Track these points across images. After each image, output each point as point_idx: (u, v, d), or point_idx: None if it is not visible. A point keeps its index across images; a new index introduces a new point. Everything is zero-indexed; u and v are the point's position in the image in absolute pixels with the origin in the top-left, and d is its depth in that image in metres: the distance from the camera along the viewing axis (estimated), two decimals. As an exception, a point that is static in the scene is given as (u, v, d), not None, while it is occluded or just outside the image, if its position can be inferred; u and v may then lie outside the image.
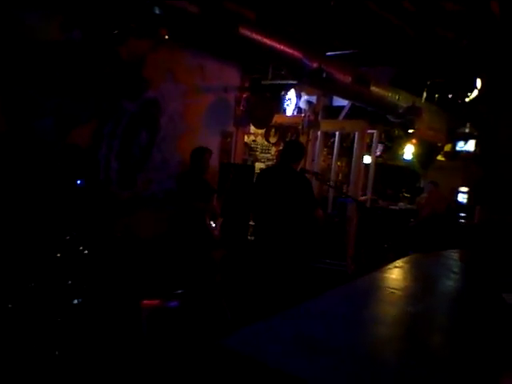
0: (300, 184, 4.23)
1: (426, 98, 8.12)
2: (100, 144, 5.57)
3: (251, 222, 6.34)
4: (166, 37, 4.86)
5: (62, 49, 5.13)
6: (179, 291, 3.37)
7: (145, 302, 3.27)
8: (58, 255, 3.52)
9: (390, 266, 2.83)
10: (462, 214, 9.86)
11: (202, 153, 5.18)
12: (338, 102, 8.64)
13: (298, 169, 4.42)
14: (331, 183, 7.60)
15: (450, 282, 2.63)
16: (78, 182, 5.10)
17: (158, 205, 5.69)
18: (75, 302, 3.73)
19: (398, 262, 2.92)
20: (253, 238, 5.07)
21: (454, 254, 3.49)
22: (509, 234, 4.41)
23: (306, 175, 4.51)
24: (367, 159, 8.71)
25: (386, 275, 2.59)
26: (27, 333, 3.21)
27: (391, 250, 8.14)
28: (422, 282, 2.64)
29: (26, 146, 4.87)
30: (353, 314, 1.82)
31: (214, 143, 6.52)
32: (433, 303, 2.15)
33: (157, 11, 4.45)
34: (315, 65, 6.17)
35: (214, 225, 4.96)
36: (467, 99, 7.37)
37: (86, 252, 3.74)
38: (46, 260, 3.52)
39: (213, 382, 1.32)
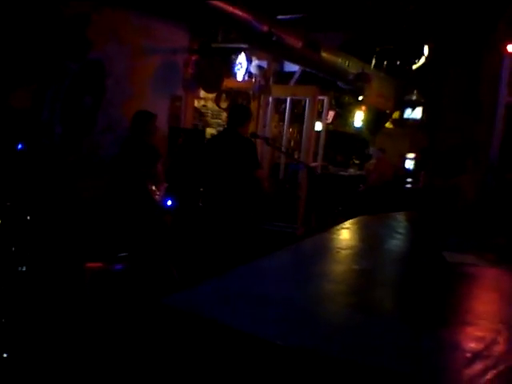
0: (244, 147, 4.20)
1: (374, 65, 8.18)
2: (42, 106, 5.33)
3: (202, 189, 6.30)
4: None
5: (1, 8, 4.82)
6: (123, 254, 3.30)
7: (88, 264, 3.18)
8: (-1, 222, 3.37)
9: (338, 227, 2.87)
10: (409, 180, 10.13)
11: (145, 118, 4.98)
12: (289, 67, 8.58)
13: (248, 133, 4.38)
14: (283, 149, 7.59)
15: (394, 242, 2.68)
16: (19, 146, 4.89)
17: (104, 170, 5.52)
18: (20, 269, 3.61)
19: (346, 224, 2.96)
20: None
21: (400, 216, 3.57)
22: (450, 197, 4.56)
23: (257, 140, 4.48)
24: (318, 126, 8.74)
25: (334, 236, 2.63)
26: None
27: (341, 214, 8.30)
28: (368, 241, 2.69)
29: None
30: (299, 271, 1.83)
31: (162, 107, 6.36)
32: (378, 261, 2.19)
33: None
34: (265, 28, 6.07)
35: (156, 190, 4.84)
36: (414, 66, 7.47)
37: (28, 218, 3.59)
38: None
39: (155, 340, 1.30)
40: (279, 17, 6.68)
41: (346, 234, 2.77)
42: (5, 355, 2.85)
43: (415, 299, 1.74)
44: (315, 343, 1.22)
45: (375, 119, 10.94)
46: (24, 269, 3.55)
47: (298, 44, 6.67)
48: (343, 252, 2.25)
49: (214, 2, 5.58)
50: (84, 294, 3.16)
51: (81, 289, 3.16)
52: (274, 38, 5.71)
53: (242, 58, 7.36)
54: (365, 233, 3.01)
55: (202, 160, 4.50)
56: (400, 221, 3.44)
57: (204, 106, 8.00)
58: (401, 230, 3.12)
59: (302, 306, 1.47)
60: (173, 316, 1.27)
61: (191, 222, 4.70)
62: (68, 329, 3.10)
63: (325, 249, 2.32)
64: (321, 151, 8.53)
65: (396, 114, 11.02)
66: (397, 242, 2.68)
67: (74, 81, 5.56)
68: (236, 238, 4.03)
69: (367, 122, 11.02)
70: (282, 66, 8.72)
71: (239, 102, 7.64)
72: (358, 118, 10.93)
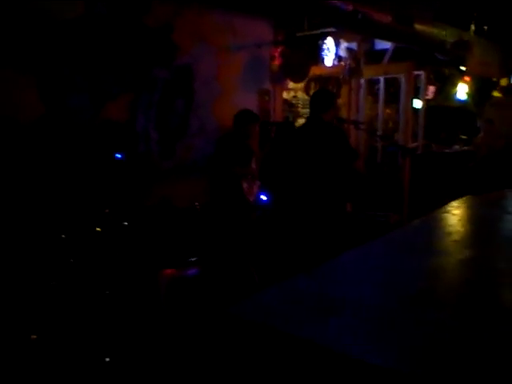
0: (332, 136, 3.97)
1: (474, 31, 7.53)
2: (137, 115, 5.52)
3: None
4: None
5: (89, 25, 5.06)
6: (194, 258, 3.26)
7: (163, 271, 3.19)
8: (99, 229, 3.52)
9: (439, 211, 2.61)
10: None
11: (249, 119, 4.91)
12: (381, 45, 8.16)
13: (333, 119, 4.16)
14: (378, 132, 7.25)
15: (506, 225, 2.38)
16: (118, 156, 5.11)
17: (199, 172, 5.61)
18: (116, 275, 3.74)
19: (449, 207, 2.69)
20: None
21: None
22: None
23: (345, 125, 4.25)
24: (418, 103, 8.25)
25: (433, 221, 2.38)
26: (71, 306, 3.25)
27: (449, 194, 7.76)
28: (475, 226, 2.41)
29: (64, 127, 4.89)
30: (389, 268, 1.64)
31: (251, 102, 6.32)
32: (486, 249, 1.94)
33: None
34: (350, 7, 5.81)
35: (249, 189, 4.81)
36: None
37: (126, 224, 3.72)
38: (85, 235, 3.53)
39: (224, 352, 1.21)
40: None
41: (448, 218, 2.50)
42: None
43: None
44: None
45: (481, 89, 10.12)
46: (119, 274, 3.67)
47: (387, 19, 6.32)
48: (444, 240, 2.02)
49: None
50: (158, 300, 3.17)
51: (155, 295, 3.17)
52: (359, 17, 5.42)
53: (329, 43, 7.14)
54: (471, 216, 2.71)
55: (290, 153, 4.36)
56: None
57: (294, 96, 7.89)
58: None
59: (382, 312, 1.29)
60: (240, 328, 1.17)
61: (284, 219, 4.60)
62: (143, 338, 3.13)
63: (419, 238, 2.09)
64: (420, 130, 8.03)
65: (504, 81, 10.12)
66: (508, 225, 2.38)
67: (165, 87, 5.70)
68: (331, 234, 3.83)
69: (472, 93, 10.22)
70: (372, 45, 8.32)
71: (329, 88, 7.41)
72: (462, 90, 10.17)
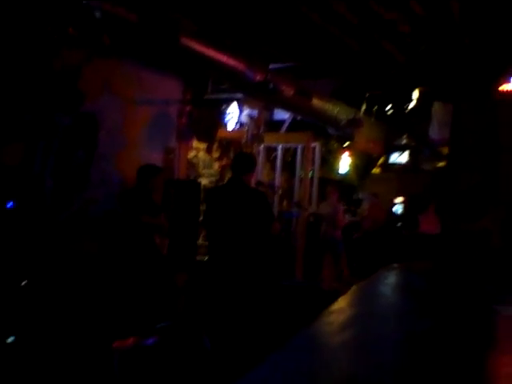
0: (255, 199, 4.00)
1: (364, 111, 8.21)
2: (33, 161, 5.10)
3: (200, 241, 6.05)
4: (107, 43, 4.52)
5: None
6: (158, 326, 2.99)
7: (117, 342, 2.86)
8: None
9: (376, 278, 2.66)
10: (399, 224, 10.03)
11: (153, 172, 4.81)
12: (279, 115, 8.56)
13: (252, 182, 4.21)
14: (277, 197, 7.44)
15: (437, 298, 2.48)
16: (9, 204, 4.64)
17: (99, 226, 5.26)
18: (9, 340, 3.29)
19: (382, 275, 2.75)
20: (205, 258, 4.77)
21: (424, 266, 3.38)
22: (480, 242, 4.40)
23: (261, 188, 4.30)
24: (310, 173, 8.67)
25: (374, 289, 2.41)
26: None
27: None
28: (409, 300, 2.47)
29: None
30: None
31: (156, 159, 6.17)
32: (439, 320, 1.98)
33: (98, 15, 4.11)
34: (258, 77, 6.05)
35: (162, 244, 4.63)
36: (406, 111, 7.51)
37: (25, 282, 3.30)
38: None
39: None
40: (271, 66, 6.68)
41: (383, 289, 2.55)
42: None
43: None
44: None
45: (363, 164, 10.94)
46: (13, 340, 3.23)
47: (290, 92, 6.66)
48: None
49: (208, 52, 5.54)
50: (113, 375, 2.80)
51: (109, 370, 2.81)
52: (270, 86, 5.65)
53: (233, 108, 7.31)
54: (399, 291, 2.79)
55: (207, 213, 4.27)
56: (429, 272, 3.25)
57: (195, 156, 7.87)
58: (436, 283, 2.92)
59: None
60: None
61: (201, 280, 4.43)
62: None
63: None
64: (315, 198, 8.41)
65: (382, 159, 11.05)
66: (439, 297, 2.48)
67: (67, 134, 5.37)
68: (257, 295, 3.75)
69: (355, 167, 11.00)
70: (272, 115, 8.70)
71: (232, 151, 7.54)
72: (345, 164, 10.90)
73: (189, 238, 5.75)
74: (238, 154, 5.11)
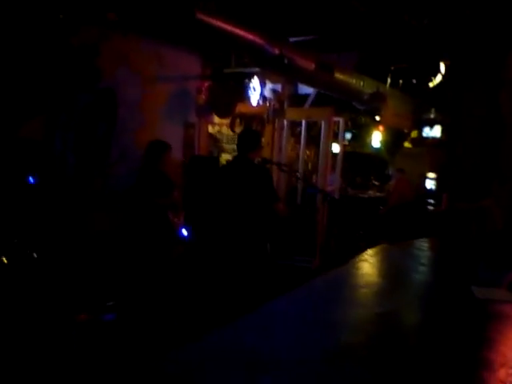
0: (258, 176, 4.02)
1: (390, 84, 8.02)
2: (54, 137, 5.26)
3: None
4: (115, 19, 4.58)
5: (10, 39, 4.80)
6: (110, 303, 3.08)
7: (77, 316, 2.97)
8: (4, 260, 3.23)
9: (357, 259, 2.67)
10: (431, 201, 9.84)
11: (160, 148, 4.87)
12: (304, 89, 8.46)
13: (259, 159, 4.23)
14: (299, 174, 7.42)
15: (418, 276, 2.48)
16: (30, 179, 4.81)
17: (117, 202, 5.41)
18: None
19: (365, 256, 2.77)
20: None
21: (423, 244, 3.36)
22: (475, 222, 4.31)
23: (269, 166, 4.31)
24: (335, 148, 8.58)
25: (351, 270, 2.43)
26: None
27: (362, 238, 8.06)
28: (390, 277, 2.48)
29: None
30: (307, 320, 1.63)
31: (176, 135, 6.27)
32: (400, 302, 1.99)
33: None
34: (277, 51, 5.97)
35: (176, 220, 4.73)
36: (431, 84, 7.29)
37: (35, 256, 3.45)
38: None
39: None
40: (291, 39, 6.59)
41: (365, 267, 2.57)
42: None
43: (443, 350, 1.54)
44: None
45: (393, 139, 10.74)
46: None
47: (311, 66, 6.56)
48: (362, 291, 2.06)
49: (225, 27, 5.52)
50: (72, 348, 2.92)
51: (68, 342, 2.92)
52: (285, 61, 5.59)
53: (255, 82, 7.26)
54: (386, 266, 2.81)
55: (214, 189, 4.33)
56: (424, 249, 3.23)
57: (219, 131, 7.91)
58: (425, 261, 2.91)
59: (309, 368, 1.28)
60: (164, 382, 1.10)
61: (203, 255, 4.52)
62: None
63: (340, 288, 2.12)
64: (338, 174, 8.33)
65: (414, 133, 10.80)
66: (421, 276, 2.48)
67: (86, 110, 5.51)
68: (249, 275, 3.82)
69: (385, 142, 10.81)
70: (296, 89, 8.60)
71: (254, 126, 7.53)
72: (376, 139, 10.73)
73: (204, 213, 5.84)
74: (242, 131, 5.11)
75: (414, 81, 7.74)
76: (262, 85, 7.54)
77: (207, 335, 1.38)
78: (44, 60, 5.08)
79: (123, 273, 3.99)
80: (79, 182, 5.48)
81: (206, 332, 1.38)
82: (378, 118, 8.64)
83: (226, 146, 8.07)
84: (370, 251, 2.86)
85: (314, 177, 9.04)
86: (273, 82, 7.70)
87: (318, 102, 8.33)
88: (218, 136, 8.10)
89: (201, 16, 5.33)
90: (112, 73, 5.66)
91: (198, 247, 4.75)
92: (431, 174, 11.01)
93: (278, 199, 4.20)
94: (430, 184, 11.07)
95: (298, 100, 8.48)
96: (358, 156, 11.36)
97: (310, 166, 9.69)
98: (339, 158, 8.35)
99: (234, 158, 4.28)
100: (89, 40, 5.43)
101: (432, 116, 9.53)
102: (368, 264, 2.62)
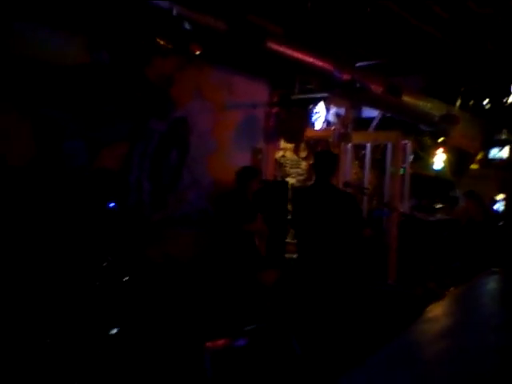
0: (346, 202, 3.95)
1: (459, 106, 7.85)
2: (131, 166, 5.46)
3: (288, 240, 6.15)
4: (197, 52, 4.74)
5: (89, 71, 5.05)
6: (248, 327, 3.07)
7: (209, 343, 2.97)
8: (97, 283, 3.35)
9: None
10: (500, 223, 9.47)
11: (250, 175, 4.90)
12: (368, 113, 8.42)
13: (338, 182, 4.20)
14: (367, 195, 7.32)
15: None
16: (111, 205, 4.99)
17: (191, 226, 5.52)
18: (114, 331, 3.53)
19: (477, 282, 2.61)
20: (294, 256, 4.82)
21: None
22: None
23: (349, 190, 4.27)
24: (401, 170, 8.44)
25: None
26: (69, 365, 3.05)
27: (431, 262, 7.81)
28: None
29: (56, 171, 4.78)
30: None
31: (244, 161, 6.35)
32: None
33: (187, 27, 4.33)
34: (345, 76, 6.01)
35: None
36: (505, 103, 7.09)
37: (126, 279, 3.56)
38: (84, 289, 3.36)
39: None
40: (358, 64, 6.62)
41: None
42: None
43: None
44: None
45: (459, 160, 10.45)
46: (118, 330, 3.47)
47: (379, 89, 6.54)
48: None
49: (295, 55, 5.60)
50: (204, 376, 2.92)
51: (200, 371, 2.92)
52: (357, 85, 5.60)
53: (320, 107, 7.33)
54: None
55: (295, 213, 4.32)
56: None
57: (283, 156, 7.98)
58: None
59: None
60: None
61: (290, 278, 4.50)
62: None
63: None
64: (406, 196, 8.19)
65: (480, 155, 10.48)
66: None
67: (161, 139, 5.69)
68: (347, 299, 3.75)
69: (450, 163, 10.54)
70: (359, 112, 8.58)
71: (319, 150, 7.54)
72: (439, 160, 10.48)
73: (278, 236, 5.87)
74: (318, 153, 5.06)
75: (486, 101, 7.54)
76: (327, 109, 7.59)
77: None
78: (122, 91, 5.31)
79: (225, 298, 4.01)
80: (154, 206, 5.64)
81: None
82: (441, 139, 8.46)
83: (291, 171, 8.13)
84: (481, 276, 2.73)
85: (374, 199, 8.90)
86: (337, 106, 7.73)
87: (382, 125, 8.27)
88: (282, 161, 8.17)
89: (271, 45, 5.44)
90: (185, 102, 5.86)
91: (291, 272, 4.72)
92: (499, 196, 10.63)
93: (366, 225, 4.14)
94: (498, 206, 10.69)
95: (362, 123, 8.45)
96: (421, 178, 11.10)
97: (370, 189, 9.56)
98: (407, 180, 8.21)
99: (316, 181, 4.20)
100: (163, 71, 5.65)
101: (504, 137, 9.24)
102: (483, 292, 2.50)
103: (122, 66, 5.31)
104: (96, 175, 5.04)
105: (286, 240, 6.23)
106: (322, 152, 5.95)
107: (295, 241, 4.86)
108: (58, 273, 3.56)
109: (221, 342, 3.00)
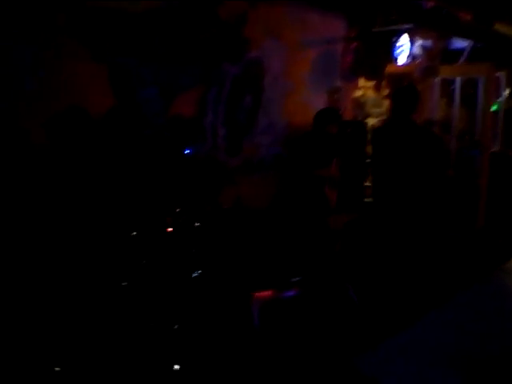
0: (426, 141, 3.65)
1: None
2: (205, 111, 5.41)
3: (367, 183, 5.91)
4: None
5: (161, 15, 4.97)
6: (296, 279, 3.00)
7: (257, 293, 2.94)
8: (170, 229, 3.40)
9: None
10: None
11: (330, 118, 4.64)
12: (457, 44, 7.73)
13: (419, 119, 3.88)
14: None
15: None
16: (187, 150, 5.01)
17: (265, 172, 5.44)
18: (195, 274, 3.56)
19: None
20: (371, 199, 4.62)
21: None
22: None
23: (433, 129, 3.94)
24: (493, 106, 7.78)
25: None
26: (143, 308, 3.16)
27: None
28: None
29: (134, 119, 4.84)
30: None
31: (320, 101, 6.12)
32: None
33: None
34: (430, 3, 5.51)
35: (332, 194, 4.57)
36: None
37: (198, 224, 3.59)
38: (157, 233, 3.43)
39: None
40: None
41: None
42: (176, 366, 2.82)
43: None
44: None
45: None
46: (199, 273, 3.52)
47: (468, 17, 5.97)
48: None
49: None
50: (252, 325, 2.90)
51: (248, 319, 2.91)
52: (444, 12, 5.11)
53: (404, 40, 6.79)
54: None
55: (374, 156, 4.09)
56: None
57: (363, 95, 7.59)
58: None
59: None
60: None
61: (363, 223, 4.34)
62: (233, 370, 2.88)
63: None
64: (500, 134, 7.57)
65: None
66: None
67: (235, 82, 5.57)
68: (418, 249, 3.55)
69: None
70: (448, 44, 7.90)
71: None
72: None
73: (355, 180, 5.66)
74: (398, 89, 4.66)
75: None
76: (412, 42, 7.04)
77: (396, 334, 1.25)
78: (194, 33, 5.20)
79: (294, 247, 3.95)
80: (230, 152, 5.61)
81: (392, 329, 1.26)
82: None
83: (372, 110, 7.73)
84: None
85: (466, 138, 8.32)
86: (423, 37, 7.15)
87: (474, 56, 7.59)
88: (362, 100, 7.77)
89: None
90: (258, 41, 5.64)
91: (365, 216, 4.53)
92: None
93: (450, 166, 3.85)
94: None
95: (451, 56, 7.79)
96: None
97: (461, 127, 8.95)
98: (500, 117, 7.57)
99: (394, 119, 3.89)
100: (236, 10, 5.44)
101: None
102: None
103: (194, 5, 5.17)
104: (171, 122, 5.06)
105: (365, 184, 5.99)
106: (402, 88, 5.58)
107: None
108: (136, 219, 3.65)
109: (269, 292, 2.92)
